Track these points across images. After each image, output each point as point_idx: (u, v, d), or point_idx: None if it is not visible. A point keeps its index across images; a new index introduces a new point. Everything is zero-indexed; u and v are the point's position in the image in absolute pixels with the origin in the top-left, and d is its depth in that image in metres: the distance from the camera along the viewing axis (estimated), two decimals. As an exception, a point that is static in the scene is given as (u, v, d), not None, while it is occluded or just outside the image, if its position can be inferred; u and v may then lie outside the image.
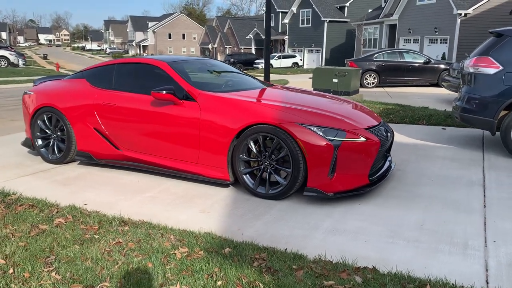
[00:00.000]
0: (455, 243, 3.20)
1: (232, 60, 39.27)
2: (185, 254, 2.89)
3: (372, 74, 15.74)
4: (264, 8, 48.49)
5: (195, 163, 4.53)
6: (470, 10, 23.86)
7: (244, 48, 51.01)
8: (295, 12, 42.04)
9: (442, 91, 14.64)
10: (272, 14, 47.63)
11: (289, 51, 42.69)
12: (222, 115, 4.29)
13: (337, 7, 40.08)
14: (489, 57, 5.65)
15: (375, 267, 2.79)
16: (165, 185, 4.62)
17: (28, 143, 5.69)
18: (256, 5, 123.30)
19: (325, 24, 38.64)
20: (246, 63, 39.06)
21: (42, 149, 5.53)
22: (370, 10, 37.72)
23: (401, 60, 16.00)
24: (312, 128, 3.94)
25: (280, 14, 46.01)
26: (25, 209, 3.75)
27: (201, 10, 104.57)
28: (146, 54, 79.49)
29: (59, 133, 5.39)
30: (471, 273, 2.76)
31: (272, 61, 37.48)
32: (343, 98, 5.22)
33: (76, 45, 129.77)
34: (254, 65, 38.04)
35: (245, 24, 53.80)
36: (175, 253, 2.90)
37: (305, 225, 3.56)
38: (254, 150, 4.19)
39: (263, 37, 46.79)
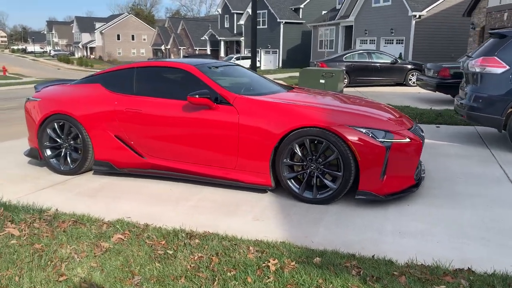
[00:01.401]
0: (523, 239, 3.30)
1: (189, 61, 38.74)
2: (278, 266, 2.78)
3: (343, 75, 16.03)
4: (219, 10, 48.32)
5: (233, 168, 4.39)
6: (424, 12, 24.94)
7: (199, 49, 50.53)
8: (250, 14, 42.10)
9: (411, 89, 15.18)
10: (226, 16, 47.54)
11: (245, 52, 42.71)
12: (264, 119, 4.18)
13: (292, 8, 40.60)
14: (495, 57, 5.90)
15: (470, 268, 2.80)
16: (200, 193, 4.44)
17: (34, 154, 5.29)
18: (206, 6, 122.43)
19: (281, 26, 39.04)
20: (203, 65, 38.67)
21: (52, 159, 5.16)
22: (324, 12, 38.48)
23: (370, 60, 16.43)
24: (362, 130, 3.93)
25: (235, 15, 45.96)
26: (71, 226, 3.47)
27: (149, 10, 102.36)
28: (93, 57, 76.79)
29: (71, 142, 5.05)
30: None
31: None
32: (369, 100, 5.25)
33: (15, 47, 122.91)
34: (212, 67, 37.70)
35: (199, 25, 53.29)
36: (267, 266, 2.78)
37: (368, 229, 3.54)
38: (300, 154, 4.11)
39: (219, 38, 46.72)
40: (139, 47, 77.79)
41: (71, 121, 4.94)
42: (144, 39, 77.02)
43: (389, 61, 16.56)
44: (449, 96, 12.38)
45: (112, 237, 3.26)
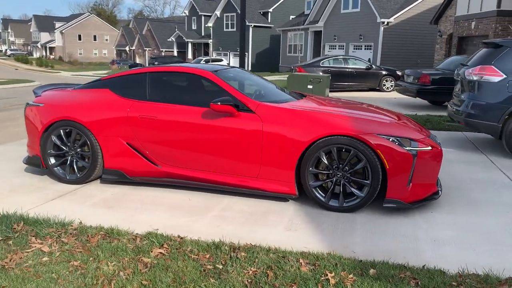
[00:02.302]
0: (554, 245, 3.41)
1: (156, 63, 38.10)
2: (337, 279, 2.74)
3: (320, 80, 16.22)
4: (186, 12, 47.79)
5: (255, 177, 4.32)
6: (391, 19, 25.66)
7: (165, 51, 49.86)
8: (219, 16, 42.02)
9: (386, 95, 15.56)
10: (194, 17, 47.16)
11: (213, 55, 42.48)
12: (290, 127, 4.13)
13: (260, 12, 40.78)
14: (492, 66, 6.11)
15: (521, 276, 2.87)
16: (221, 202, 4.33)
17: (35, 162, 5.01)
18: (170, 7, 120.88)
19: (250, 29, 39.10)
20: (171, 67, 38.08)
21: (56, 168, 4.90)
22: (293, 17, 38.90)
23: (346, 66, 16.70)
24: (390, 139, 3.96)
25: (203, 17, 45.68)
26: (103, 240, 3.30)
27: (111, 10, 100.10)
28: (53, 57, 74.20)
29: (78, 149, 4.82)
30: None
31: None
32: (385, 108, 5.31)
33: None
34: (180, 69, 37.17)
35: (165, 26, 52.60)
36: (326, 279, 2.74)
37: (403, 238, 3.56)
38: (326, 162, 4.09)
39: (186, 39, 46.25)
40: (101, 47, 75.95)
41: (79, 128, 4.71)
42: (107, 40, 75.27)
43: (364, 67, 16.90)
44: (425, 101, 12.78)
45: (151, 251, 3.12)
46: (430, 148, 4.11)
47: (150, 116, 4.54)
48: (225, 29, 41.65)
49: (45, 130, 4.85)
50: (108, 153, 4.70)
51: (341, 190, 4.11)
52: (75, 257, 3.03)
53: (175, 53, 47.24)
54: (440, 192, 4.29)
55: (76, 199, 4.41)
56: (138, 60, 53.61)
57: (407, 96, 12.35)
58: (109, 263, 2.94)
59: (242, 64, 11.12)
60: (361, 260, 3.06)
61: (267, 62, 38.70)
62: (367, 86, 16.92)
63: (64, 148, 4.86)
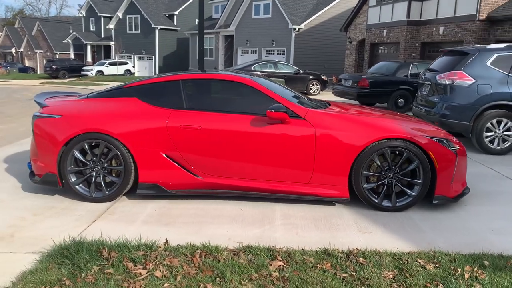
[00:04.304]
0: None
1: (54, 66, 35.12)
2: (469, 274, 2.93)
3: (253, 84, 16.51)
4: (82, 12, 44.84)
5: (307, 183, 4.37)
6: (302, 25, 26.96)
7: (60, 53, 46.33)
8: (121, 18, 40.25)
9: (316, 98, 16.33)
10: (92, 18, 44.55)
11: (116, 58, 40.52)
12: (343, 132, 4.26)
13: (166, 15, 39.97)
14: (462, 71, 6.87)
15: None
16: (275, 210, 4.29)
17: (50, 180, 4.46)
18: (56, 7, 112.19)
19: (156, 32, 38.17)
20: (72, 70, 35.39)
21: (79, 186, 4.43)
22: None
23: (276, 71, 17.23)
24: (436, 139, 4.29)
25: (103, 18, 43.33)
26: (205, 259, 3.11)
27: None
28: None
29: (105, 164, 4.42)
30: None
31: (102, 68, 35.09)
32: (401, 114, 5.66)
33: None
34: (82, 72, 34.80)
35: (58, 28, 48.86)
36: (461, 275, 2.92)
37: (471, 231, 3.87)
38: (380, 164, 4.30)
39: (85, 41, 43.47)
40: (-23, 48, 67.81)
41: (108, 141, 4.32)
42: (-16, 40, 67.43)
43: (293, 72, 17.59)
44: (356, 102, 13.74)
45: (270, 264, 3.03)
46: (459, 147, 4.54)
47: (193, 125, 4.34)
48: (128, 31, 40.03)
49: (65, 144, 4.35)
50: (144, 166, 4.37)
51: (393, 190, 4.35)
52: (201, 279, 2.83)
53: (72, 56, 44.07)
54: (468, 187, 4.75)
55: (120, 218, 4.04)
56: (27, 63, 49.01)
57: (337, 98, 13.19)
58: (242, 282, 2.80)
59: (201, 67, 10.86)
60: (465, 254, 3.29)
61: (175, 65, 38.03)
62: (296, 89, 17.47)
63: (88, 163, 4.41)
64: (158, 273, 2.88)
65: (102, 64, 35.81)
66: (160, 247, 3.29)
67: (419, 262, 3.12)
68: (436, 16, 16.44)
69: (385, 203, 4.34)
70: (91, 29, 44.70)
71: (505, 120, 6.79)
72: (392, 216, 4.21)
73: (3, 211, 4.16)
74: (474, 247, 3.48)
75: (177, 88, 4.55)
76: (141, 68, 39.69)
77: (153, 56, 38.76)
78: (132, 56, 40.18)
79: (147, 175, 4.40)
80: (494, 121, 6.79)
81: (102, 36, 43.58)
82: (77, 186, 4.43)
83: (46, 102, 4.71)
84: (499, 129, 6.83)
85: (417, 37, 17.49)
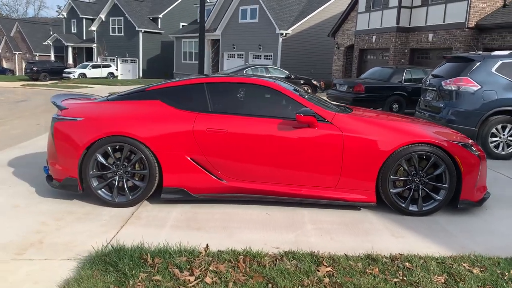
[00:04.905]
0: None
1: (35, 68, 34.37)
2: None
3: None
4: (64, 14, 44.05)
5: (333, 187, 4.36)
6: (289, 31, 27.10)
7: (40, 55, 45.39)
8: (104, 20, 39.72)
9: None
10: (74, 20, 43.85)
11: (98, 60, 39.90)
12: (372, 137, 4.26)
13: (150, 18, 39.63)
14: (468, 77, 6.99)
15: None
16: (303, 215, 4.24)
17: (70, 185, 4.33)
18: (34, 8, 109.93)
19: (140, 35, 37.80)
20: (53, 73, 34.68)
21: (101, 190, 4.32)
22: (184, 24, 38.58)
23: (268, 75, 17.22)
24: (460, 144, 4.34)
25: (85, 20, 42.65)
26: (252, 265, 3.05)
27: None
28: None
29: (129, 168, 4.32)
30: None
31: (85, 71, 34.51)
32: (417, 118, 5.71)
33: None
34: (63, 75, 34.12)
35: (38, 29, 47.92)
36: (510, 279, 2.94)
37: (499, 234, 3.92)
38: (407, 169, 4.31)
39: (66, 43, 42.67)
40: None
41: (133, 144, 4.22)
42: (-41, 41, 65.54)
43: (284, 76, 17.63)
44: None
45: (318, 270, 3.00)
46: (480, 152, 4.60)
47: (219, 129, 4.28)
48: (111, 34, 39.51)
49: (88, 148, 4.24)
50: (169, 170, 4.29)
51: (420, 194, 4.37)
52: (252, 286, 2.77)
53: (53, 58, 43.16)
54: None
55: (148, 223, 3.95)
56: (5, 65, 47.82)
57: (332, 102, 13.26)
58: (295, 288, 2.76)
59: (201, 71, 10.77)
60: (498, 258, 3.33)
61: (159, 68, 37.71)
62: (287, 94, 17.64)
63: (111, 167, 4.30)
64: (208, 280, 2.82)
65: (85, 67, 35.24)
66: (202, 252, 3.22)
67: (464, 266, 3.13)
68: (426, 23, 16.75)
69: (412, 208, 4.36)
70: (73, 30, 43.96)
71: (509, 126, 6.94)
72: (419, 220, 4.23)
73: (23, 216, 4.01)
74: (508, 251, 3.52)
75: (202, 91, 4.48)
76: (124, 71, 39.21)
77: (137, 59, 38.33)
78: (115, 58, 39.65)
79: (172, 179, 4.32)
80: (499, 126, 6.93)
81: (84, 38, 42.90)
82: (99, 191, 4.31)
83: (64, 104, 4.58)
84: (504, 135, 6.97)
85: (406, 44, 17.78)
